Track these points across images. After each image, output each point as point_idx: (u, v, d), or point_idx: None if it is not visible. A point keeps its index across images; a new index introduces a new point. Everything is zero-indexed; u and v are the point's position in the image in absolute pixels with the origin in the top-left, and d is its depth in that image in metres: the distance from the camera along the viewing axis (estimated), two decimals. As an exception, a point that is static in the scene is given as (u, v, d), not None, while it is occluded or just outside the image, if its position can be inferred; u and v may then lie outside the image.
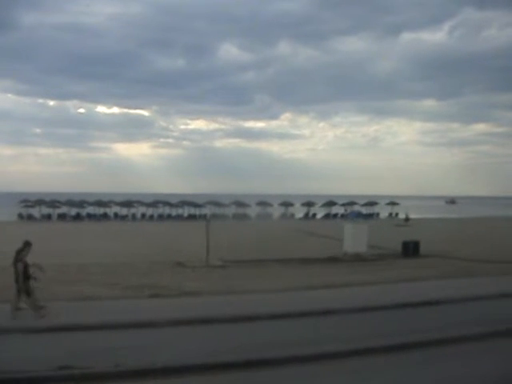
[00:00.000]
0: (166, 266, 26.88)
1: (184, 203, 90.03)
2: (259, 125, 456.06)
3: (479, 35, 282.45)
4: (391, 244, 34.68)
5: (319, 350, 11.02)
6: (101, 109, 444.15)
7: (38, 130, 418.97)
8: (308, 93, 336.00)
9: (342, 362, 10.75)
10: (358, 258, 30.09)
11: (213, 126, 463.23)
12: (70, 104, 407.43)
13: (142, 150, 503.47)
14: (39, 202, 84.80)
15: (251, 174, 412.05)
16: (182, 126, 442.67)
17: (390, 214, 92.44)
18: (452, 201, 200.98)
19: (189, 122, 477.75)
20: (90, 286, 19.66)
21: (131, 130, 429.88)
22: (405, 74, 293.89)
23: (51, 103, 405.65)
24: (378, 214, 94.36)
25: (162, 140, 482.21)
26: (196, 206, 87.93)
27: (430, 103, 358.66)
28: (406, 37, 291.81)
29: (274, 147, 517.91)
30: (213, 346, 11.40)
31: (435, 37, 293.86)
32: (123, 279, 21.66)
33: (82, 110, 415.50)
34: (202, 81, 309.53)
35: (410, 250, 32.39)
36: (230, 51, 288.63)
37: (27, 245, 14.90)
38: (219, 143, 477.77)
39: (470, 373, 10.12)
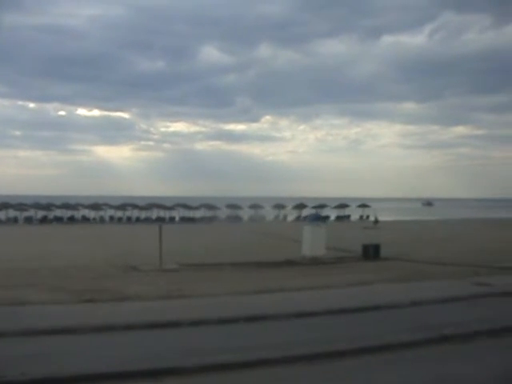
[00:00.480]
0: (120, 269, 26.40)
1: (152, 205, 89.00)
2: (240, 127, 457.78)
3: (459, 38, 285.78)
4: (355, 247, 34.05)
5: (220, 360, 10.49)
6: (81, 111, 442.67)
7: (17, 133, 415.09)
8: (289, 95, 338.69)
9: (254, 371, 10.21)
10: (315, 262, 29.53)
11: (193, 128, 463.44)
12: (50, 106, 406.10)
13: (123, 153, 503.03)
14: (5, 204, 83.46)
15: (232, 176, 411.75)
16: (163, 129, 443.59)
17: (361, 217, 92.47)
18: (429, 203, 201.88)
19: (169, 124, 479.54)
20: (30, 291, 18.84)
21: (111, 132, 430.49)
22: (385, 76, 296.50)
23: (31, 105, 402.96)
24: (348, 217, 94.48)
25: (142, 143, 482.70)
26: (165, 208, 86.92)
27: (410, 106, 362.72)
28: (387, 40, 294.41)
29: (254, 150, 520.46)
30: (123, 355, 10.77)
31: (415, 40, 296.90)
32: (69, 283, 20.96)
33: (62, 113, 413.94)
34: (182, 83, 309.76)
35: (371, 252, 31.89)
36: (210, 54, 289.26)
37: None
38: (200, 146, 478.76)
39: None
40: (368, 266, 27.50)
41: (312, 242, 30.72)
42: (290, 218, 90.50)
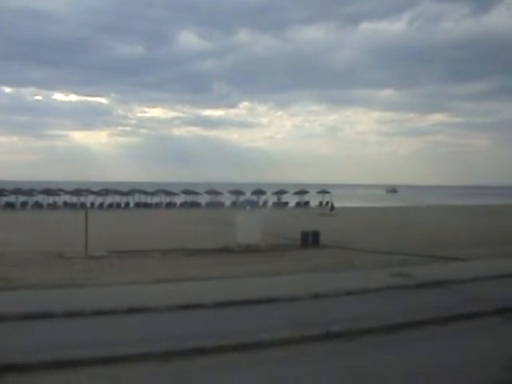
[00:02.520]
0: (46, 256, 25.45)
1: (108, 191, 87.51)
2: (217, 113, 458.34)
3: (437, 27, 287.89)
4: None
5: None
6: (58, 96, 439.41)
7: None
8: (267, 81, 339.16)
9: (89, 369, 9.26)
10: (251, 249, 28.55)
11: (171, 114, 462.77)
12: (27, 91, 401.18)
13: (100, 138, 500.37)
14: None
15: (210, 162, 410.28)
16: (140, 114, 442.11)
17: (321, 203, 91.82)
18: (393, 190, 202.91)
19: (147, 110, 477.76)
20: None
21: (89, 117, 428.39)
22: (363, 63, 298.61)
23: (7, 90, 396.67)
24: (308, 203, 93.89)
25: (119, 128, 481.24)
26: (121, 194, 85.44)
27: (387, 93, 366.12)
28: (365, 27, 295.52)
29: (232, 136, 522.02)
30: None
31: (394, 27, 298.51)
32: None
33: (38, 97, 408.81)
34: (160, 69, 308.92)
35: (310, 240, 31.03)
36: (189, 39, 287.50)
37: None
38: (177, 131, 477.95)
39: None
40: (300, 255, 26.55)
41: (246, 228, 29.69)
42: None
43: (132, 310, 12.71)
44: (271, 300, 13.85)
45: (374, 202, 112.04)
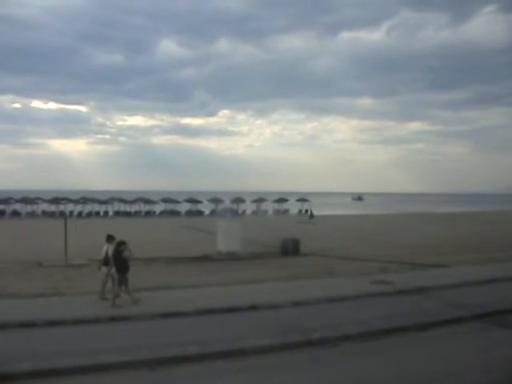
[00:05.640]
0: (25, 265, 25.34)
1: (87, 200, 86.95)
2: (197, 121, 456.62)
3: (416, 36, 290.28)
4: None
5: None
6: (37, 104, 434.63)
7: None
8: (246, 90, 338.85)
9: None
10: (231, 257, 28.57)
11: (150, 122, 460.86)
12: (5, 99, 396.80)
13: (79, 146, 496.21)
14: None
15: (189, 170, 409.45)
16: (120, 122, 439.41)
17: (300, 211, 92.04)
18: (359, 198, 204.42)
19: (126, 118, 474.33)
20: None
21: (68, 125, 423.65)
22: (342, 72, 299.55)
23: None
24: (287, 211, 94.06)
25: (98, 136, 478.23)
26: (100, 202, 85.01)
27: (366, 101, 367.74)
28: (345, 36, 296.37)
29: (211, 144, 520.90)
30: None
31: (373, 36, 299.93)
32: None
33: (16, 105, 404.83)
34: (140, 77, 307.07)
35: (290, 248, 31.08)
36: (169, 47, 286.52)
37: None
38: (156, 140, 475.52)
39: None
40: (281, 263, 26.61)
41: (226, 236, 29.66)
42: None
43: (114, 319, 12.74)
44: (252, 308, 13.94)
45: (351, 209, 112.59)
